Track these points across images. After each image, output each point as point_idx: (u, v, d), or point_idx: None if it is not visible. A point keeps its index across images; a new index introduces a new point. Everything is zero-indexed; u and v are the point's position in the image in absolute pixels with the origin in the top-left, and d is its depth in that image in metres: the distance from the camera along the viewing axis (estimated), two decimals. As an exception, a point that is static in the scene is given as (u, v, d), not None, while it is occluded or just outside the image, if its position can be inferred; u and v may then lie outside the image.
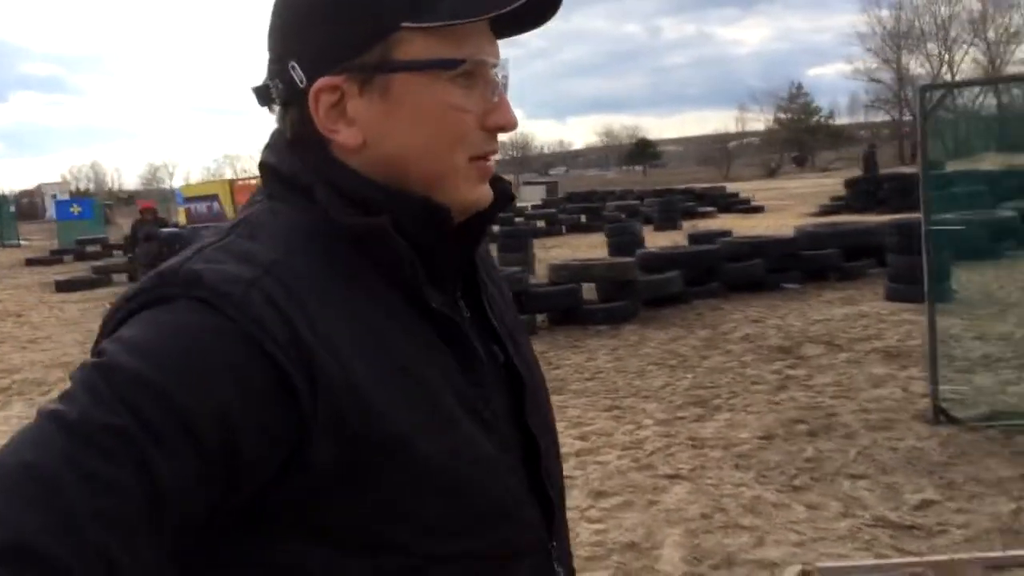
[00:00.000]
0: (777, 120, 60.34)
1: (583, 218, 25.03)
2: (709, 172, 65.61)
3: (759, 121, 67.53)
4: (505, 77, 0.86)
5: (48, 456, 0.65)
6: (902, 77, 46.39)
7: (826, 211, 22.60)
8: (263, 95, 0.88)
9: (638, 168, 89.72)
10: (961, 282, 10.61)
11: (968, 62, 49.38)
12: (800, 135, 56.94)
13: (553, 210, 26.91)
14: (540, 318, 9.59)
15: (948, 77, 43.34)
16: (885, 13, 48.63)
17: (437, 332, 0.85)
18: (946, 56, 45.32)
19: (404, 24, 0.80)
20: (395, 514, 0.79)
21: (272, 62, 0.86)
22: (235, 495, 0.73)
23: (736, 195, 29.42)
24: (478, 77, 0.84)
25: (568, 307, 9.55)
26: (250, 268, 0.77)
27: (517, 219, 24.94)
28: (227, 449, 0.71)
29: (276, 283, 0.76)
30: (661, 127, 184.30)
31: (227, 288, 0.74)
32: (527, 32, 0.88)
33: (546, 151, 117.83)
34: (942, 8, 46.54)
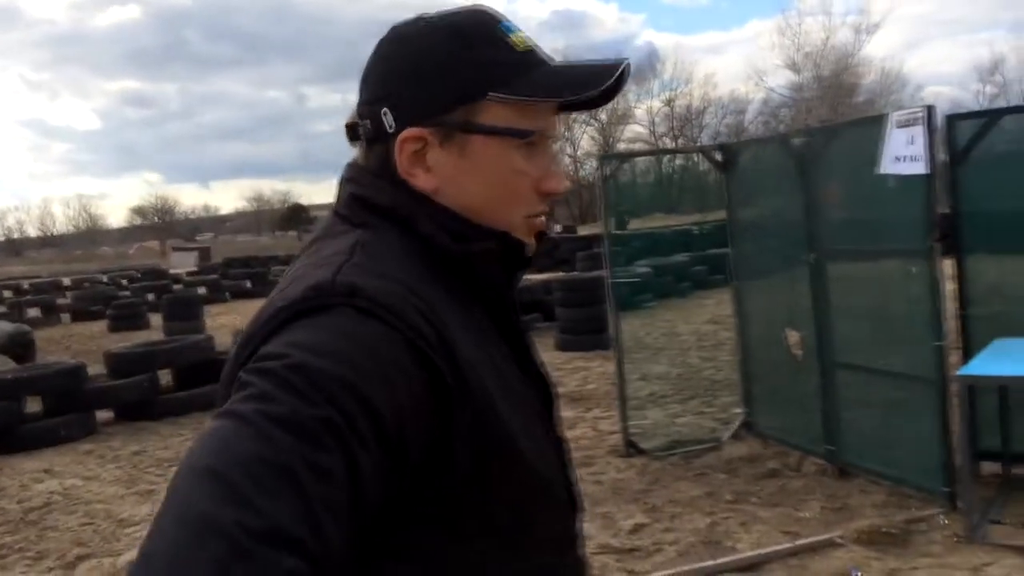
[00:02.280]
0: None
1: (248, 284, 24.20)
2: (365, 236, 66.59)
3: (410, 188, 70.71)
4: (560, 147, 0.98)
5: (277, 449, 0.70)
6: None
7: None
8: (352, 131, 0.99)
9: (292, 233, 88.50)
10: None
11: (586, 139, 55.91)
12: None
13: (215, 276, 25.70)
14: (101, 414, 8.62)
15: (570, 151, 48.96)
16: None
17: (509, 345, 0.99)
18: (567, 134, 50.95)
19: (490, 94, 0.92)
20: (509, 506, 0.89)
21: (364, 103, 0.97)
22: (400, 488, 0.79)
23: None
24: (540, 147, 0.97)
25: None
26: (395, 283, 0.84)
27: (176, 286, 23.45)
28: (402, 445, 0.77)
29: (418, 297, 0.84)
30: (313, 192, 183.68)
31: (386, 299, 0.81)
32: (592, 110, 1.05)
33: (191, 216, 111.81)
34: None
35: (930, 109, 4.53)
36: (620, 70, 0.94)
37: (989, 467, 5.16)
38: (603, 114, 53.26)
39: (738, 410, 6.59)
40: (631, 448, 6.23)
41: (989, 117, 5.01)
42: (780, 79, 51.68)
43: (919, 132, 4.54)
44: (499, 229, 0.96)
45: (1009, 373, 4.27)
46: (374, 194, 0.95)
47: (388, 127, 0.94)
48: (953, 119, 5.15)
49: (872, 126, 4.88)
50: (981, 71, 52.52)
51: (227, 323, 15.73)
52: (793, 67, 48.90)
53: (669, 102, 57.43)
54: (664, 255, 17.94)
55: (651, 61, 57.96)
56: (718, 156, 6.30)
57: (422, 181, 0.94)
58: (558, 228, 35.69)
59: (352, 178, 1.00)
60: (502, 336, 0.98)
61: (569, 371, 9.59)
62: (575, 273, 15.29)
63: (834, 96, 45.51)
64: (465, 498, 0.84)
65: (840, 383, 5.34)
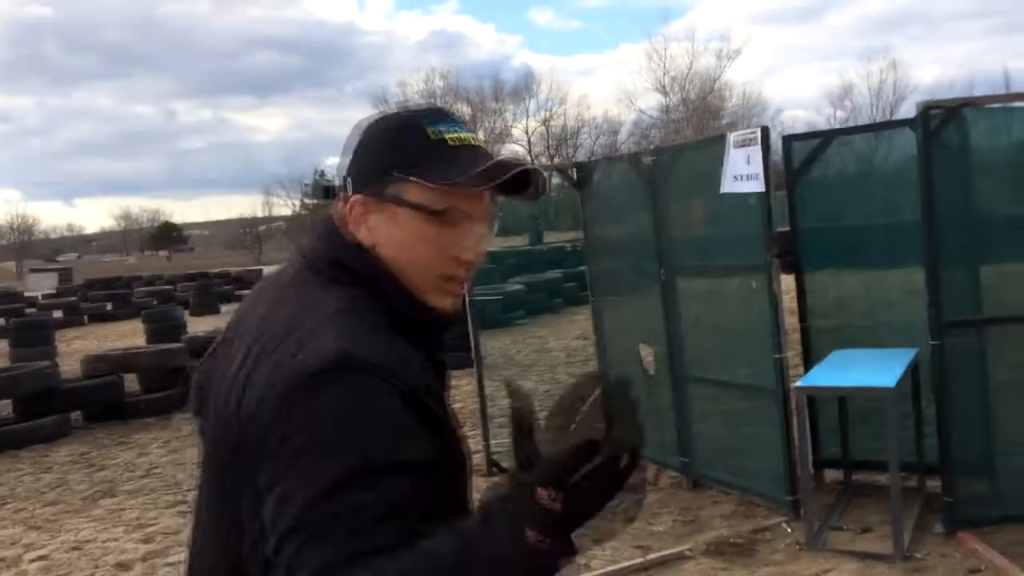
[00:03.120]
0: (303, 205, 61.97)
1: (109, 306, 23.01)
2: (239, 256, 64.85)
3: (286, 206, 69.03)
4: (492, 219, 1.25)
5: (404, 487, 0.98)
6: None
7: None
8: (327, 191, 1.24)
9: (162, 253, 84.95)
10: (486, 348, 11.96)
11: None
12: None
13: (73, 298, 24.32)
14: (74, 416, 8.58)
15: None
16: (393, 110, 53.38)
17: (439, 378, 1.24)
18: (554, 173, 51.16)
19: (411, 176, 1.16)
20: (453, 503, 1.14)
21: (341, 172, 1.22)
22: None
23: (272, 277, 29.39)
24: (459, 223, 1.18)
25: (109, 401, 8.70)
26: (378, 344, 1.09)
27: (29, 310, 22.08)
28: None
29: (397, 352, 1.10)
30: (184, 210, 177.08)
31: (379, 360, 1.06)
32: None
33: (53, 235, 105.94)
34: (445, 108, 52.59)
35: (765, 130, 4.69)
36: (519, 170, 1.17)
37: (832, 474, 5.36)
38: (480, 132, 53.66)
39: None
40: (493, 467, 6.17)
41: (823, 138, 5.24)
42: (650, 101, 53.33)
43: (755, 152, 4.68)
44: (417, 295, 1.19)
45: (844, 384, 4.44)
46: (346, 257, 1.19)
47: (348, 192, 1.20)
48: (789, 139, 5.36)
49: (715, 146, 5.01)
50: (832, 97, 55.69)
51: (82, 348, 14.84)
52: (661, 90, 50.65)
53: (545, 122, 58.41)
54: (538, 272, 18.16)
55: (527, 82, 58.82)
56: (573, 174, 6.36)
57: (363, 236, 1.19)
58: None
59: (323, 235, 1.23)
60: (435, 371, 1.22)
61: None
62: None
63: (700, 118, 47.39)
64: (437, 489, 1.05)
65: (691, 396, 5.45)
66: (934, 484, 4.73)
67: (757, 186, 4.71)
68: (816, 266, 5.36)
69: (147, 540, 5.23)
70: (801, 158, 5.30)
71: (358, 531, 0.93)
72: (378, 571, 0.90)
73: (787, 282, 5.29)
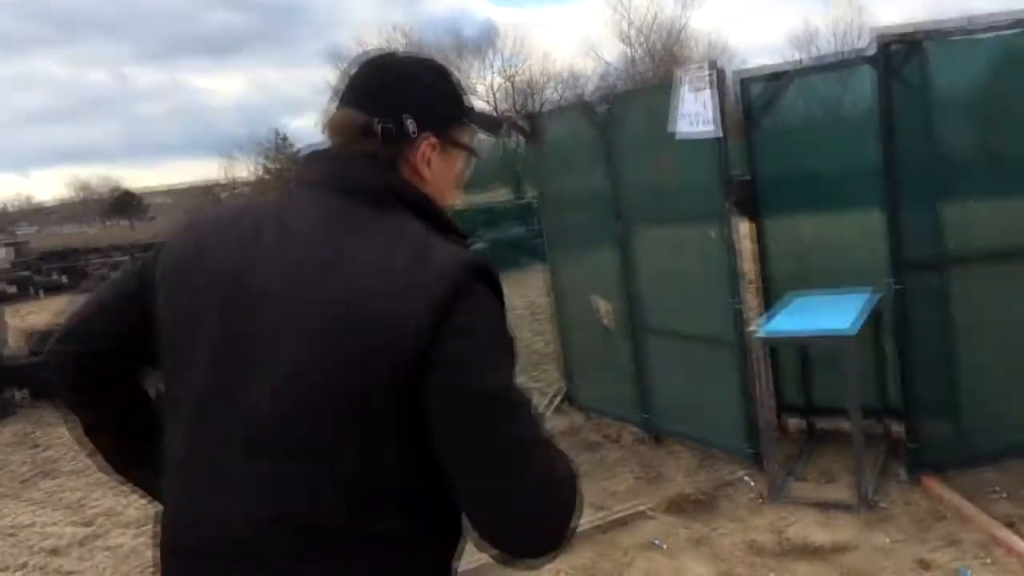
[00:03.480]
0: (264, 168, 60.92)
1: (64, 279, 22.44)
2: (202, 223, 63.46)
3: (246, 170, 67.82)
4: None
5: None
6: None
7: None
8: (367, 129, 1.27)
9: (124, 223, 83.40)
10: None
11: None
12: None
13: (26, 272, 23.70)
14: (19, 395, 8.28)
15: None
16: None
17: None
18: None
19: (466, 121, 1.37)
20: None
21: (385, 110, 1.28)
22: None
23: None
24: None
25: (56, 378, 8.34)
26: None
27: (-21, 285, 21.47)
28: None
29: None
30: (143, 178, 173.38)
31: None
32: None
33: (10, 209, 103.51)
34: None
35: (719, 70, 4.48)
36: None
37: (796, 422, 5.26)
38: (444, 89, 52.90)
39: (562, 384, 6.49)
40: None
41: (780, 78, 5.04)
42: (616, 53, 52.68)
43: (708, 94, 4.48)
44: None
45: (802, 331, 4.30)
46: (404, 189, 1.27)
47: (411, 132, 1.28)
48: (746, 81, 5.15)
49: (667, 90, 4.79)
50: (798, 42, 55.39)
51: (36, 322, 14.42)
52: (627, 41, 50.03)
53: (509, 77, 57.63)
54: (505, 229, 17.87)
55: (489, 36, 57.85)
56: (525, 126, 6.13)
57: (425, 174, 1.31)
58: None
59: (376, 168, 1.27)
60: None
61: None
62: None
63: (666, 69, 46.83)
64: None
65: (651, 350, 5.30)
66: (899, 429, 4.64)
67: (711, 130, 4.51)
68: (776, 212, 5.18)
69: (87, 523, 5.02)
70: (759, 101, 5.10)
71: (535, 418, 1.20)
72: (552, 450, 1.20)
73: (748, 229, 5.14)
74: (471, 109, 1.40)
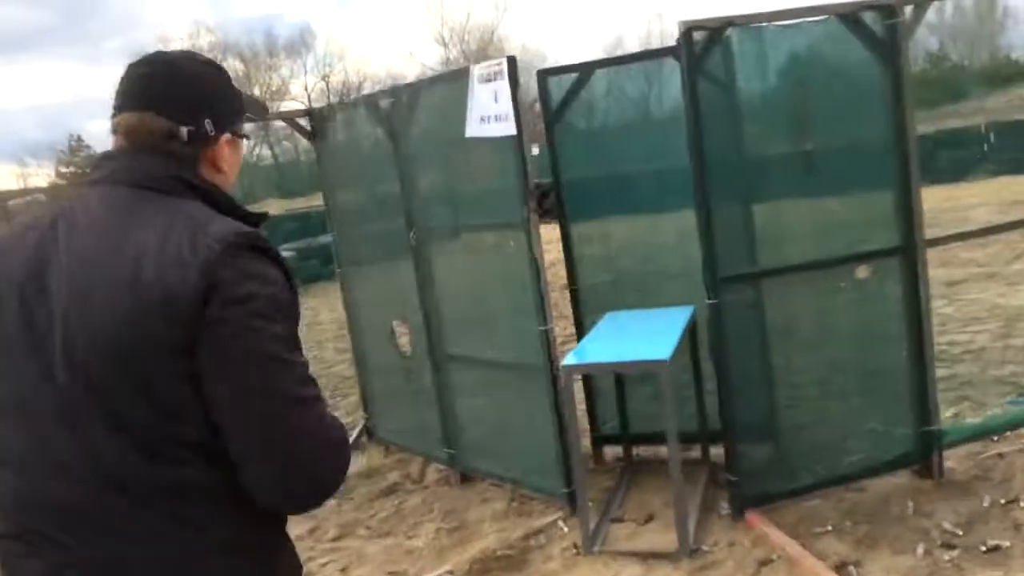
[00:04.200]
0: (59, 174, 56.17)
1: None
2: (-12, 235, 57.66)
3: (41, 177, 62.29)
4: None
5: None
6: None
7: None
8: (171, 133, 1.36)
9: None
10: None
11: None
12: (89, 189, 53.98)
13: None
14: None
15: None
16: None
17: None
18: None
19: (246, 114, 1.53)
20: None
21: (183, 114, 1.38)
22: None
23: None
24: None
25: None
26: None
27: None
28: None
29: None
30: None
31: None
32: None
33: None
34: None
35: (512, 60, 3.92)
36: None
37: (613, 451, 4.81)
38: (256, 89, 50.46)
39: (361, 413, 5.78)
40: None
41: (580, 71, 4.56)
42: (432, 55, 52.20)
43: (503, 87, 3.91)
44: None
45: (615, 359, 3.79)
46: (192, 177, 1.37)
47: (210, 132, 1.40)
48: (544, 74, 4.64)
49: (459, 81, 4.19)
50: (607, 48, 56.89)
51: None
52: (441, 42, 49.54)
53: (324, 77, 55.87)
54: (318, 236, 16.85)
55: (303, 36, 55.79)
56: (305, 124, 5.37)
57: (224, 167, 1.44)
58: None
59: (165, 161, 1.36)
60: None
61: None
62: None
63: (481, 69, 46.70)
64: None
65: (454, 377, 4.68)
66: (718, 452, 4.27)
67: (507, 128, 3.95)
68: (583, 217, 4.71)
69: None
70: (559, 96, 4.61)
71: (307, 379, 1.28)
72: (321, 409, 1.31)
73: (551, 232, 4.64)
74: (245, 102, 1.51)
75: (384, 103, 4.72)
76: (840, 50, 3.79)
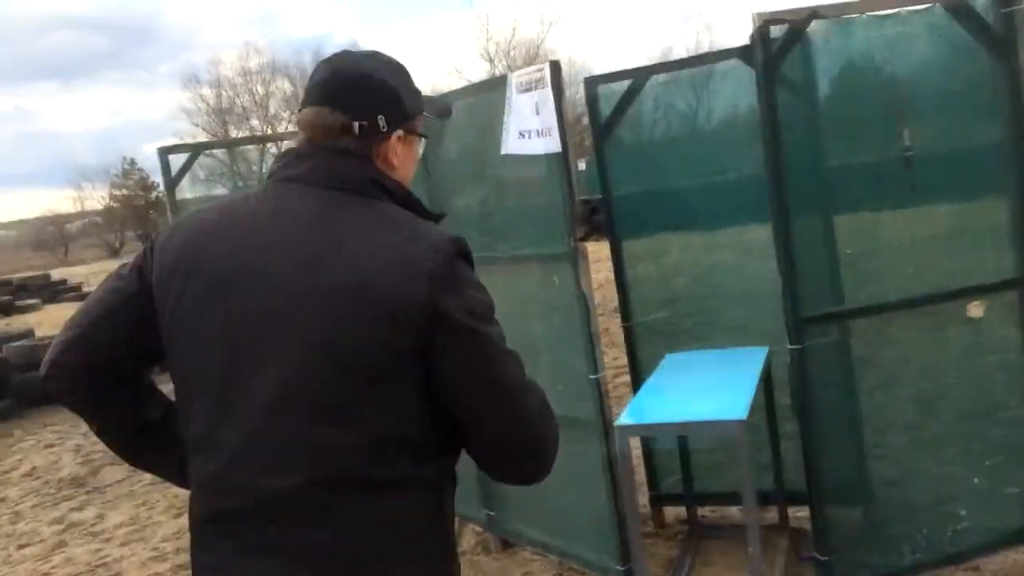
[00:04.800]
0: (113, 197, 57.18)
1: None
2: (45, 258, 59.07)
3: (96, 200, 63.21)
4: None
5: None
6: (232, 150, 47.66)
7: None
8: (345, 128, 1.40)
9: (-40, 258, 76.73)
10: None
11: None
12: (141, 211, 54.74)
13: None
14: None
15: (275, 150, 45.62)
16: (207, 91, 49.42)
17: None
18: (269, 130, 47.96)
19: (422, 112, 1.52)
20: None
21: (358, 110, 1.41)
22: None
23: (64, 282, 25.91)
24: None
25: None
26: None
27: None
28: None
29: None
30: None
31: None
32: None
33: None
34: (259, 87, 49.07)
35: (555, 65, 3.38)
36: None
37: (675, 511, 4.21)
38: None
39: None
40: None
41: (634, 77, 4.00)
42: (478, 71, 51.99)
43: (546, 97, 3.37)
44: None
45: (681, 419, 3.18)
46: (380, 177, 1.40)
47: (382, 128, 1.42)
48: (594, 82, 4.09)
49: (495, 92, 3.66)
50: (654, 60, 56.19)
51: None
52: (487, 58, 49.33)
53: (371, 95, 56.02)
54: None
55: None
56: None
57: (395, 163, 1.45)
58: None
59: (348, 163, 1.39)
60: None
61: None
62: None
63: (528, 85, 46.32)
64: None
65: (493, 428, 4.12)
66: (799, 514, 3.65)
67: (551, 144, 3.40)
68: (637, 234, 4.16)
69: None
70: (611, 106, 4.06)
71: (523, 366, 1.37)
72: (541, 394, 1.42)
73: (602, 250, 4.10)
74: (425, 101, 1.53)
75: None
76: (946, 43, 3.18)
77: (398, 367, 1.27)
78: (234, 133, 44.03)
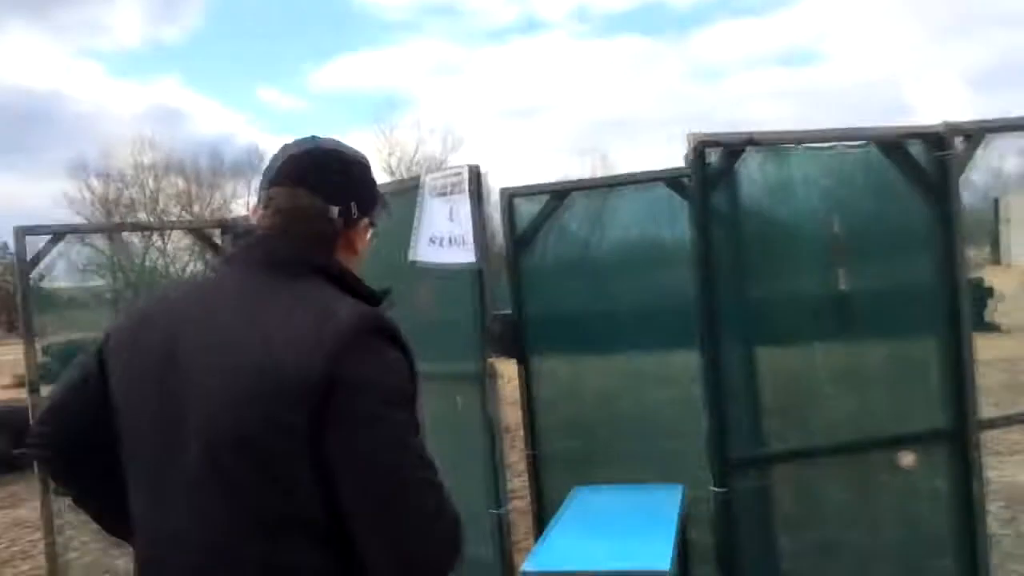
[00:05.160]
0: (-14, 281, 53.77)
1: None
2: None
3: (-37, 285, 59.44)
4: None
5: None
6: (114, 242, 45.77)
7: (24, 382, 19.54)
8: (320, 212, 1.40)
9: None
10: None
11: (179, 234, 51.44)
12: (8, 298, 51.72)
13: None
14: None
15: (160, 244, 44.04)
16: (95, 181, 47.85)
17: None
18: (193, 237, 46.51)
19: (380, 204, 1.51)
20: None
21: (334, 195, 1.41)
22: None
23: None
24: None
25: None
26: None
27: None
28: None
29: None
30: None
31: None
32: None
33: None
34: (150, 181, 47.82)
35: (474, 169, 3.15)
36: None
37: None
38: (197, 207, 49.71)
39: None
40: None
41: (552, 194, 3.81)
42: (381, 182, 52.32)
43: (462, 202, 3.12)
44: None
45: (595, 568, 2.83)
46: (328, 265, 1.39)
47: (354, 214, 1.42)
48: (513, 196, 3.88)
49: (405, 196, 3.39)
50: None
51: None
52: (388, 170, 49.80)
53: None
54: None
55: (250, 158, 55.57)
56: (221, 240, 4.49)
57: (359, 249, 1.47)
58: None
59: (308, 247, 1.39)
60: None
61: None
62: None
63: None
64: None
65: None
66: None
67: (465, 254, 3.13)
68: (546, 354, 3.92)
69: None
70: (529, 222, 3.84)
71: (428, 463, 1.28)
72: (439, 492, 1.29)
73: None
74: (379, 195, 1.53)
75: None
76: (881, 183, 3.10)
77: (292, 448, 1.21)
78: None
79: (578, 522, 3.22)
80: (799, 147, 3.01)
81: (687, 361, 3.31)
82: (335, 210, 1.39)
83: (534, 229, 3.83)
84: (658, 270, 3.79)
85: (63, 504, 7.44)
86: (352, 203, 1.41)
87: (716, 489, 2.87)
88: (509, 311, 3.97)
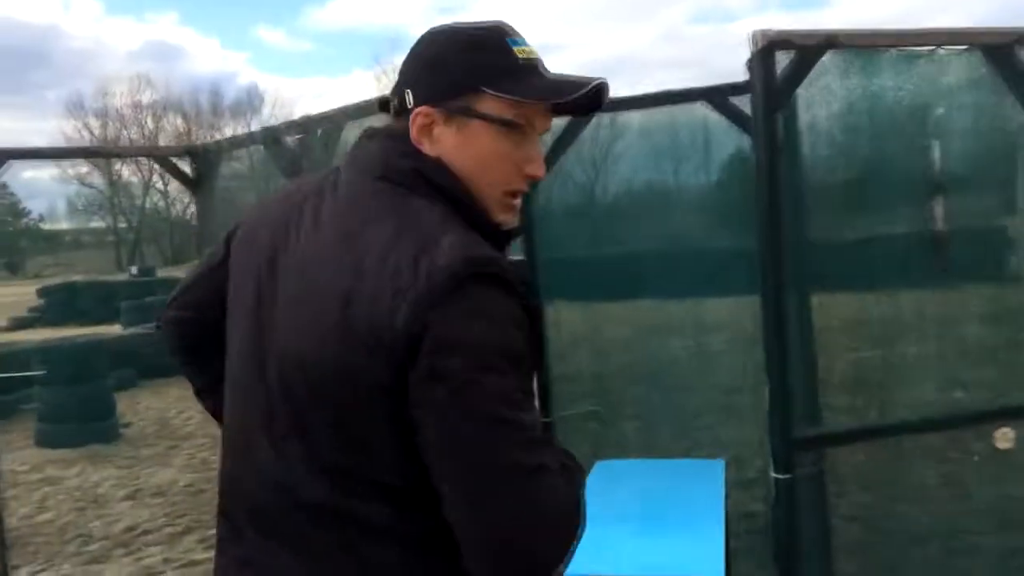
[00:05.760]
0: (-19, 228, 53.19)
1: None
2: None
3: (-36, 228, 58.83)
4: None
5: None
6: (114, 183, 44.97)
7: (19, 325, 19.17)
8: (383, 104, 1.23)
9: None
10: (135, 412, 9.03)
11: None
12: (8, 239, 51.23)
13: None
14: None
15: (161, 185, 43.32)
16: (93, 120, 46.89)
17: None
18: (156, 167, 45.76)
19: (483, 88, 1.13)
20: None
21: (397, 85, 1.19)
22: None
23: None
24: (528, 137, 1.16)
25: None
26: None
27: None
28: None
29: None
30: None
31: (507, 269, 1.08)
32: (579, 116, 1.63)
33: None
34: (149, 121, 46.89)
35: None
36: (593, 86, 1.13)
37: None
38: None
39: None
40: None
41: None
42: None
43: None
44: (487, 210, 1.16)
45: (623, 572, 2.29)
46: (424, 168, 1.14)
47: (408, 104, 1.16)
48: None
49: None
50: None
51: None
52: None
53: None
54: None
55: (250, 98, 54.40)
56: (187, 168, 3.91)
57: (427, 148, 1.15)
58: (134, 270, 30.61)
59: (403, 149, 1.15)
60: None
61: (32, 486, 6.40)
62: (66, 335, 11.26)
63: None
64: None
65: None
66: None
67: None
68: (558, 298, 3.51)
69: None
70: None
71: (532, 442, 1.04)
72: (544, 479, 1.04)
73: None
74: (497, 77, 1.13)
75: (291, 140, 3.29)
76: (981, 95, 2.51)
77: (367, 400, 1.05)
78: (117, 167, 41.71)
79: (604, 509, 2.68)
80: (891, 50, 2.40)
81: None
82: (395, 102, 1.19)
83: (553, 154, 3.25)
84: (664, 214, 3.31)
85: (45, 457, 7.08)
86: (406, 91, 1.17)
87: (778, 476, 2.34)
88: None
